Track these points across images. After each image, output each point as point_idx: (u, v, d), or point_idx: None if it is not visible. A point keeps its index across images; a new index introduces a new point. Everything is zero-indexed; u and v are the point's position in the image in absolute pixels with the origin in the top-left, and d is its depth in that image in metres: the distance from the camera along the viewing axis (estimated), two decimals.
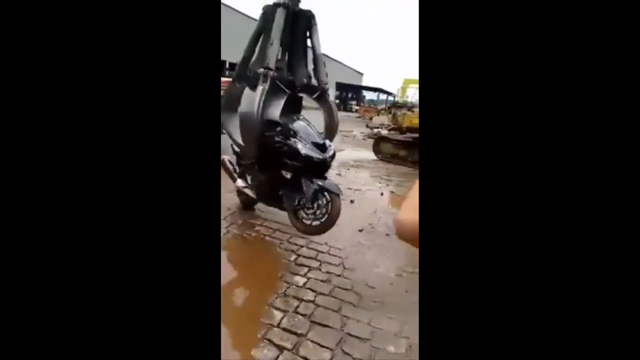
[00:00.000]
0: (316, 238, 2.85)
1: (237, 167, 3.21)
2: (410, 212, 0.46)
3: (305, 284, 2.22)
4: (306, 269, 2.39)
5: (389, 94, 20.88)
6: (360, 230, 3.22)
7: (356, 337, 1.79)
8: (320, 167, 2.53)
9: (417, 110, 10.21)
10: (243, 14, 16.69)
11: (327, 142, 2.66)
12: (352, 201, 3.96)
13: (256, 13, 2.90)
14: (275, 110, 2.61)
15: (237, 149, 3.10)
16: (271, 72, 2.55)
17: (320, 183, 2.48)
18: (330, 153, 2.58)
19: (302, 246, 2.72)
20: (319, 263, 2.50)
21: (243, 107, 2.59)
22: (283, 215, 2.93)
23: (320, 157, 2.51)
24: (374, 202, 4.06)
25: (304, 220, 2.61)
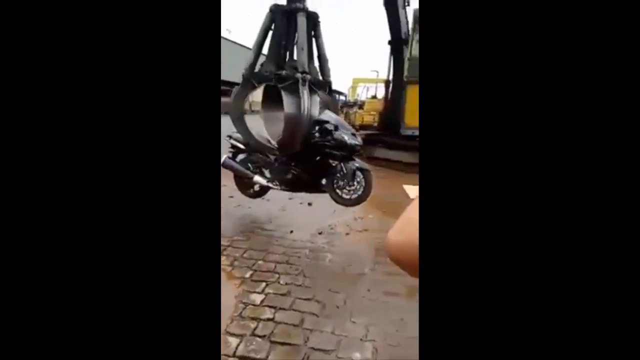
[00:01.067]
0: (274, 247, 2.74)
1: (250, 166, 3.40)
2: (405, 230, 0.39)
3: (262, 301, 2.05)
4: (264, 285, 2.23)
5: (340, 93, 21.22)
6: (320, 233, 3.12)
7: (320, 350, 1.67)
8: (356, 152, 3.12)
9: (366, 106, 10.44)
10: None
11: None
12: (309, 204, 3.86)
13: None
14: (315, 110, 3.06)
15: (241, 146, 3.37)
16: (308, 77, 2.88)
17: (356, 164, 3.11)
18: (360, 139, 3.21)
19: (258, 260, 2.55)
20: (277, 276, 2.35)
21: (288, 109, 2.86)
22: (233, 227, 2.73)
23: (358, 143, 3.11)
24: (333, 202, 3.98)
25: (345, 196, 3.17)
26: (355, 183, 3.16)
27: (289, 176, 3.25)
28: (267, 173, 3.41)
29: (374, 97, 11.25)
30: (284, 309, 1.97)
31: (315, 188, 3.27)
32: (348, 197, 3.19)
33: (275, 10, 2.94)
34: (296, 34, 2.95)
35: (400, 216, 0.41)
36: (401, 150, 6.10)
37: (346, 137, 3.01)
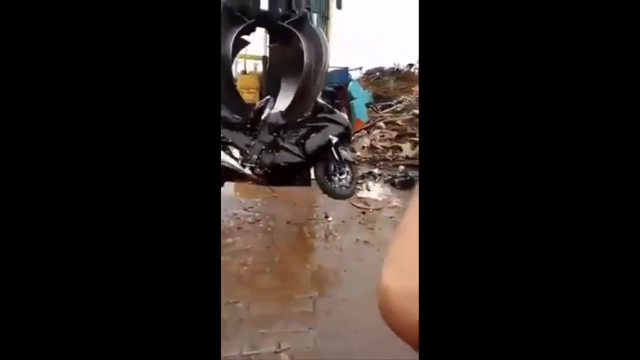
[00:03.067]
0: None
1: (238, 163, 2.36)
2: (406, 266, 0.29)
3: None
4: None
5: None
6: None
7: None
8: (350, 137, 2.89)
9: (240, 84, 9.87)
10: None
11: None
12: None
13: None
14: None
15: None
16: (315, 13, 2.40)
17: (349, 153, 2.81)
18: None
19: None
20: None
21: (309, 55, 2.44)
22: None
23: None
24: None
25: (337, 185, 2.77)
26: (345, 174, 2.77)
27: (276, 153, 2.36)
28: (236, 152, 2.41)
29: (244, 72, 10.59)
30: None
31: (301, 177, 2.60)
32: (340, 186, 2.75)
33: None
34: None
35: (395, 239, 0.30)
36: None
37: (345, 116, 2.59)
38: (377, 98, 8.52)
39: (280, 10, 2.45)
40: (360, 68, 11.04)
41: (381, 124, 6.55)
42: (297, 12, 2.48)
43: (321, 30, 2.48)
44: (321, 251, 2.60)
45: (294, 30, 2.40)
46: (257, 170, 2.43)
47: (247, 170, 2.39)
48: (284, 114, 2.54)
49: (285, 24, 2.46)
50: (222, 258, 2.30)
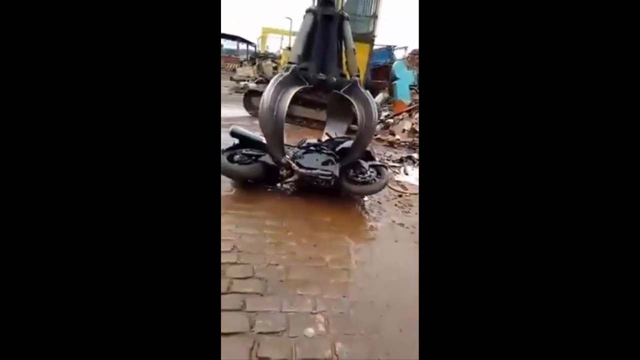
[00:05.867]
0: None
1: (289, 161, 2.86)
2: None
3: None
4: None
5: (249, 43, 19.56)
6: (249, 202, 2.88)
7: (270, 333, 1.54)
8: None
9: (283, 59, 9.88)
10: None
11: None
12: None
13: None
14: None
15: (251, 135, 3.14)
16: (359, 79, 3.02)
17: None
18: None
19: None
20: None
21: (361, 112, 2.91)
22: None
23: None
24: None
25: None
26: (367, 172, 3.01)
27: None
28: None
29: (289, 48, 10.63)
30: (224, 294, 1.77)
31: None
32: (364, 182, 2.96)
33: (315, 12, 2.94)
34: (342, 40, 3.03)
35: None
36: (318, 108, 5.87)
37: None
38: None
39: (334, 79, 2.99)
40: (406, 47, 10.56)
41: None
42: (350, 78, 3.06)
43: (369, 93, 2.99)
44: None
45: (346, 95, 2.98)
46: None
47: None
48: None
49: (340, 92, 2.99)
50: (267, 221, 2.45)
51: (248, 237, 2.26)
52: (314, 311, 1.68)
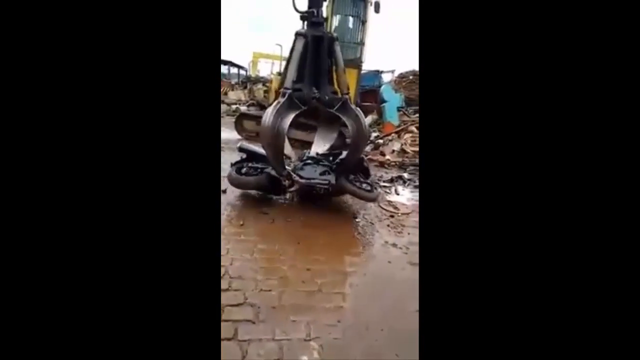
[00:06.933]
0: None
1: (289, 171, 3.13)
2: None
3: None
4: None
5: (240, 67, 19.92)
6: (241, 224, 2.86)
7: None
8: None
9: (274, 84, 10.06)
10: None
11: None
12: (224, 191, 3.50)
13: None
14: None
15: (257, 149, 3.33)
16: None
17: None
18: None
19: None
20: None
21: (353, 128, 3.06)
22: None
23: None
24: None
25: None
26: (364, 183, 3.31)
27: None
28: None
29: (279, 74, 10.88)
30: None
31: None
32: (361, 188, 3.24)
33: (305, 35, 3.04)
34: (332, 59, 3.15)
35: None
36: (309, 130, 5.91)
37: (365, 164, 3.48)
38: (408, 102, 8.41)
39: (327, 97, 3.13)
40: (393, 71, 10.90)
41: (412, 128, 6.47)
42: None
43: (359, 110, 3.17)
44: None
45: (338, 114, 3.13)
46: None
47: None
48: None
49: (333, 110, 3.14)
50: (259, 245, 2.41)
51: (239, 262, 2.22)
52: (308, 338, 1.63)
